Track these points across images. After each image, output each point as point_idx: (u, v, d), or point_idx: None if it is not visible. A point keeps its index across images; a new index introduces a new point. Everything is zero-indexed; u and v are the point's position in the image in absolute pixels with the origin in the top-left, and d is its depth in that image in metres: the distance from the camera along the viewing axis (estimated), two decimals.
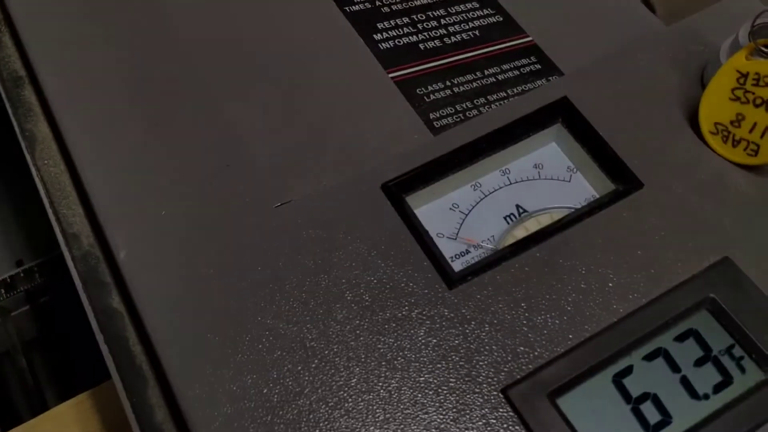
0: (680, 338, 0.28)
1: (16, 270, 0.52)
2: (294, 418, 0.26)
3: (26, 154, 0.35)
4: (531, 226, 0.32)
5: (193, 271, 0.29)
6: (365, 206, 0.31)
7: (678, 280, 0.29)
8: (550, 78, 0.38)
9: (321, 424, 0.26)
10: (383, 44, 0.38)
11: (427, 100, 0.36)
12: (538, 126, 0.34)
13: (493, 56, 0.39)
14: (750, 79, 0.31)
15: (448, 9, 0.41)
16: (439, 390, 0.27)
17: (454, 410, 0.26)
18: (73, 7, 0.38)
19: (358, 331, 0.28)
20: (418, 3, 0.41)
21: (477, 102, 0.37)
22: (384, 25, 0.39)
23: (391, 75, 0.37)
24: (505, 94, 0.37)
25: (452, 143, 0.32)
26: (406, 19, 0.40)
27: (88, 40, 0.36)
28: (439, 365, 0.27)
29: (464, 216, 0.33)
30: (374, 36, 0.39)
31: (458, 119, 0.36)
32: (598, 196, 0.33)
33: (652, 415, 0.27)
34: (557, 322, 0.28)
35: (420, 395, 0.27)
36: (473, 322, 0.28)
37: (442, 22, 0.40)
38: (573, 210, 0.32)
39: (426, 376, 0.27)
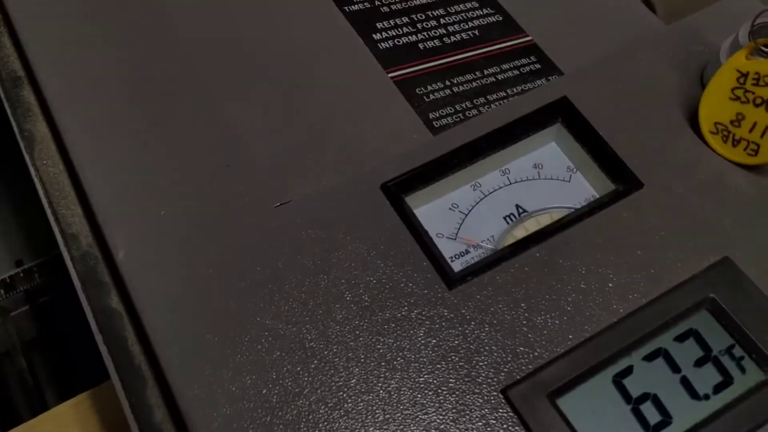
0: (680, 338, 0.28)
1: (15, 270, 0.52)
2: (293, 419, 0.26)
3: (25, 155, 0.35)
4: (531, 226, 0.32)
5: (193, 271, 0.29)
6: (365, 206, 0.31)
7: (678, 280, 0.29)
8: (550, 78, 0.38)
9: (320, 425, 0.26)
10: (383, 44, 0.38)
11: (426, 99, 0.36)
12: (537, 126, 0.34)
13: (492, 56, 0.39)
14: (750, 79, 0.31)
15: (448, 8, 0.41)
16: (439, 390, 0.27)
17: (454, 411, 0.26)
18: (72, 6, 0.38)
19: (357, 332, 0.28)
20: (418, 2, 0.41)
21: (477, 102, 0.37)
22: (383, 24, 0.39)
23: (390, 75, 0.37)
24: (504, 94, 0.37)
25: (452, 143, 0.32)
26: (405, 19, 0.40)
27: (87, 40, 0.36)
28: (438, 366, 0.27)
29: (464, 216, 0.33)
30: (374, 36, 0.39)
31: (458, 119, 0.36)
32: (598, 196, 0.33)
33: (653, 416, 0.27)
34: (557, 322, 0.28)
35: (420, 396, 0.26)
36: (473, 323, 0.28)
37: (442, 21, 0.40)
38: (573, 210, 0.32)
39: (426, 376, 0.27)
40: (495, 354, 0.27)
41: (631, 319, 0.28)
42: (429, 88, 0.37)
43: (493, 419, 0.26)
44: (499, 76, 0.38)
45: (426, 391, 0.27)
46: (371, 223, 0.30)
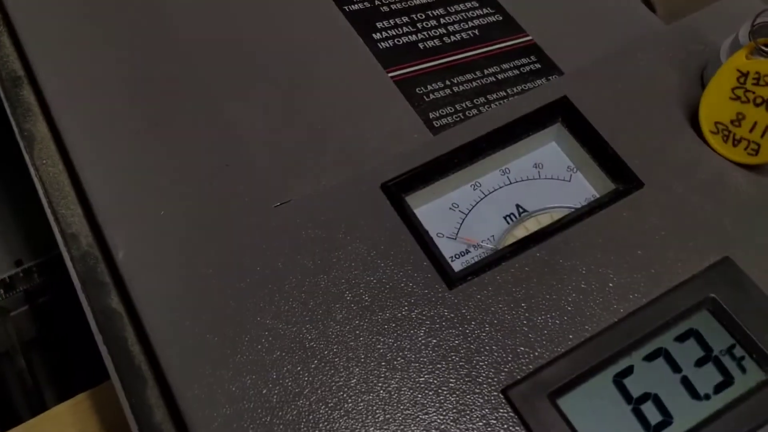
0: (681, 338, 0.28)
1: (15, 270, 0.52)
2: (293, 419, 0.26)
3: (25, 154, 0.35)
4: (531, 225, 0.32)
5: (193, 271, 0.29)
6: (365, 206, 0.31)
7: (678, 280, 0.29)
8: (550, 77, 0.38)
9: (320, 425, 0.26)
10: (382, 44, 0.38)
11: (426, 99, 0.36)
12: (538, 125, 0.34)
13: (492, 55, 0.39)
14: (750, 79, 0.31)
15: (448, 8, 0.41)
16: (439, 390, 0.27)
17: (454, 411, 0.26)
18: (72, 6, 0.38)
19: (357, 332, 0.28)
20: (418, 2, 0.41)
21: (477, 101, 0.37)
22: (383, 24, 0.39)
23: (390, 74, 0.37)
24: (504, 94, 0.37)
25: (452, 143, 0.32)
26: (405, 19, 0.40)
27: (87, 40, 0.36)
28: (439, 365, 0.27)
29: (464, 216, 0.33)
30: (373, 35, 0.39)
31: (458, 119, 0.36)
32: (598, 196, 0.33)
33: (653, 416, 0.27)
34: (557, 322, 0.28)
35: (420, 396, 0.26)
36: (473, 322, 0.28)
37: (442, 21, 0.40)
38: (573, 210, 0.32)
39: (426, 376, 0.27)
40: (495, 354, 0.27)
41: (632, 319, 0.28)
42: (429, 87, 0.37)
43: (494, 419, 0.26)
44: (499, 76, 0.38)
45: (426, 391, 0.27)
46: (371, 222, 0.30)
